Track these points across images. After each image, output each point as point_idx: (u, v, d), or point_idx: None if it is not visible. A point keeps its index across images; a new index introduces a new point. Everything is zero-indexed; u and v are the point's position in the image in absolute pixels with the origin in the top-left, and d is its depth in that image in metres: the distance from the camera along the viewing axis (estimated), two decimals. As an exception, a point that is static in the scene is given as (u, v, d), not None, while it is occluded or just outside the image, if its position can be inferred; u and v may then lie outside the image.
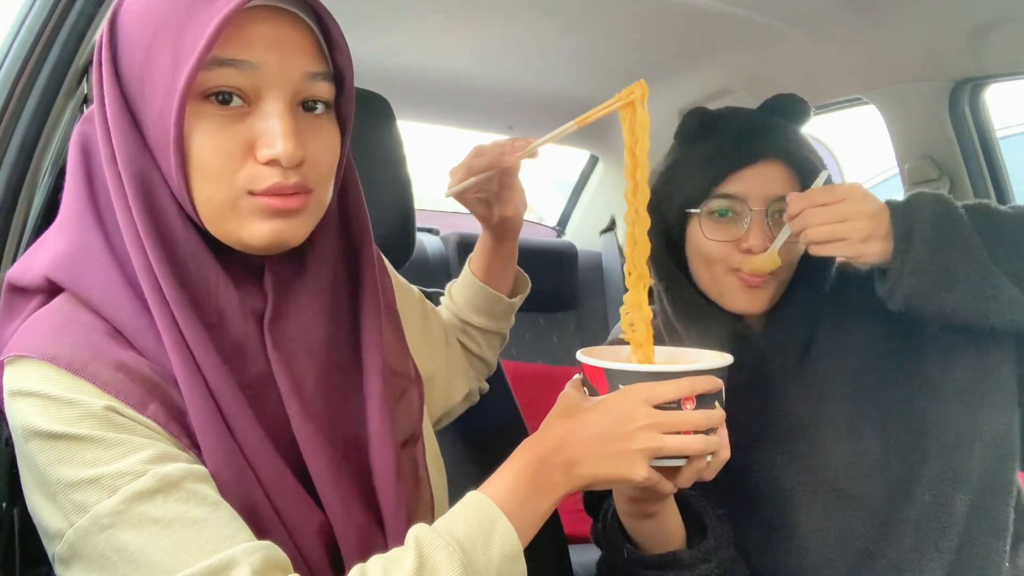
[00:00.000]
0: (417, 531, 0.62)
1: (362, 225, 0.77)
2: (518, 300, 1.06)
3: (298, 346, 0.68)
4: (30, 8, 0.87)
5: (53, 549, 0.58)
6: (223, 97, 0.61)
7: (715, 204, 0.97)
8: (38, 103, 0.85)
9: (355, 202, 0.76)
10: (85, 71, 0.96)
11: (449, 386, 0.99)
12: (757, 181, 0.96)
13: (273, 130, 0.61)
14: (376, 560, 0.60)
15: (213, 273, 0.65)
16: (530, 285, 1.09)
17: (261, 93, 0.62)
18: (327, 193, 0.69)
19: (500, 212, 0.95)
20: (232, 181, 0.62)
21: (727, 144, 0.98)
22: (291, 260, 0.70)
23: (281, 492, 0.64)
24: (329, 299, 0.72)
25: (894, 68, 1.52)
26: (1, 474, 0.75)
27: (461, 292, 1.05)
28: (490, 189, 0.93)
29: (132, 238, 0.63)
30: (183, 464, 0.59)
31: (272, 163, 0.62)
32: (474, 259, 1.04)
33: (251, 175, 0.62)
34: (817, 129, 2.15)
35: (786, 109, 1.03)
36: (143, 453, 0.57)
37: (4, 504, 0.75)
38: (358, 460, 0.71)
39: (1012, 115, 2.03)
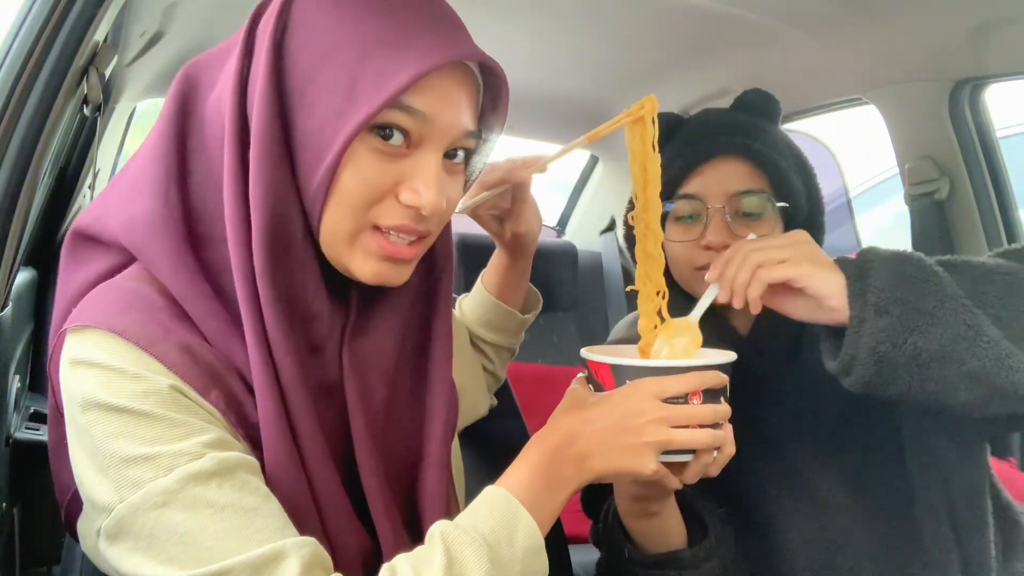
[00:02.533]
0: (442, 528, 0.61)
1: (446, 257, 0.78)
2: (531, 316, 1.05)
3: (372, 364, 0.70)
4: (30, 8, 0.87)
5: (100, 523, 0.57)
6: (387, 132, 0.63)
7: (677, 206, 0.97)
8: (38, 103, 0.85)
9: (445, 234, 0.77)
10: (85, 71, 0.96)
11: (475, 399, 0.99)
12: (716, 178, 0.95)
13: (427, 180, 0.64)
14: (403, 559, 0.60)
15: (314, 280, 0.66)
16: (541, 301, 1.08)
17: (423, 141, 0.64)
18: (438, 235, 0.72)
19: (513, 228, 0.95)
20: (365, 214, 0.64)
21: (686, 145, 0.98)
22: None
23: (329, 499, 0.64)
24: (405, 322, 0.74)
25: (894, 68, 1.52)
26: (1, 474, 0.75)
27: (473, 308, 1.04)
28: (503, 205, 0.93)
29: (238, 223, 0.62)
30: (239, 453, 0.59)
31: (411, 208, 0.64)
32: (487, 275, 1.03)
33: (385, 211, 0.64)
34: (817, 129, 2.15)
35: (753, 106, 1.03)
36: (203, 436, 0.57)
37: (4, 504, 0.75)
38: (408, 480, 0.72)
39: (1012, 115, 2.02)
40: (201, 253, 0.64)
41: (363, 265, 0.65)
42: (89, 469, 0.58)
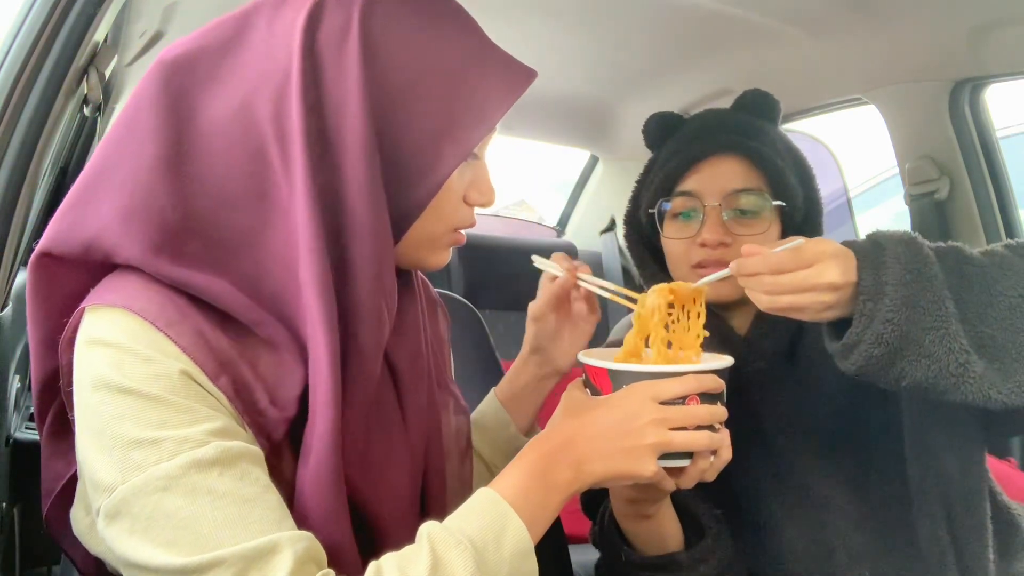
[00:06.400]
0: (429, 529, 0.62)
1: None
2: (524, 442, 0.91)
3: (407, 360, 0.75)
4: (30, 8, 0.87)
5: (100, 502, 0.57)
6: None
7: (674, 203, 0.98)
8: (38, 103, 0.85)
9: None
10: (85, 71, 0.96)
11: None
12: (712, 176, 0.96)
13: (489, 182, 0.73)
14: (391, 558, 0.60)
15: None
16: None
17: (483, 148, 0.74)
18: None
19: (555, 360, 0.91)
20: (449, 219, 0.71)
21: (684, 142, 0.99)
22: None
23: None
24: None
25: (894, 68, 1.52)
26: (1, 474, 0.75)
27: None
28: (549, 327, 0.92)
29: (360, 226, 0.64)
30: (242, 443, 0.59)
31: (476, 206, 0.73)
32: (501, 383, 0.96)
33: (463, 213, 0.72)
34: (817, 129, 2.15)
35: (752, 106, 1.04)
36: (209, 424, 0.58)
37: (4, 504, 0.75)
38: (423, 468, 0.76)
39: (1012, 115, 2.02)
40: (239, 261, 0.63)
41: (442, 257, 0.75)
42: (92, 448, 0.58)
